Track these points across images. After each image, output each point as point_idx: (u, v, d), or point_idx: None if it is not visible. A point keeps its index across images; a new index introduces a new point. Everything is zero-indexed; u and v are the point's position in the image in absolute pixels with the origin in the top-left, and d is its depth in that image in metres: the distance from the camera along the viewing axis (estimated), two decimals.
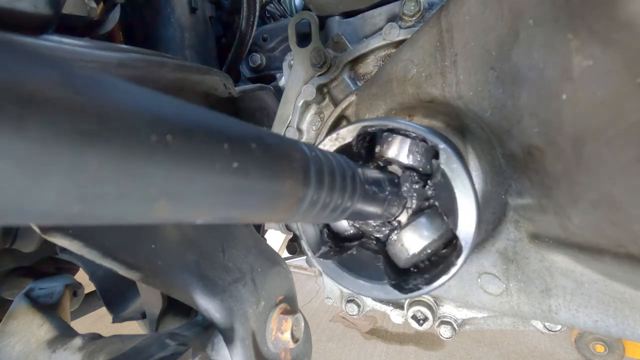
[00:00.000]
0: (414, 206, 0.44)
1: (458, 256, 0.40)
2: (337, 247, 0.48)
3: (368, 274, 0.45)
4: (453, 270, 0.40)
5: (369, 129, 0.43)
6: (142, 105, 0.15)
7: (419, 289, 0.42)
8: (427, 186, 0.43)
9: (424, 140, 0.42)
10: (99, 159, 0.13)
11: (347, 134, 0.44)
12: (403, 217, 0.44)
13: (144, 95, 0.16)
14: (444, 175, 0.40)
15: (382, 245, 0.46)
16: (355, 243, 0.48)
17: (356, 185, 0.33)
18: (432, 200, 0.44)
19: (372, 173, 0.39)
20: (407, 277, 0.44)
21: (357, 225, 0.48)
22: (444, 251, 0.44)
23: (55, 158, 0.12)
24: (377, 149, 0.46)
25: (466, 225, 0.40)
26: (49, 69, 0.12)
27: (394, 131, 0.44)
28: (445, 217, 0.42)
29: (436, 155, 0.41)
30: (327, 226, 0.49)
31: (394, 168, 0.46)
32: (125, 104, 0.14)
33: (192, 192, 0.17)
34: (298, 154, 0.25)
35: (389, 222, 0.44)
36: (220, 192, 0.19)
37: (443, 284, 0.40)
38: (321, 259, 0.46)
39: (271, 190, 0.22)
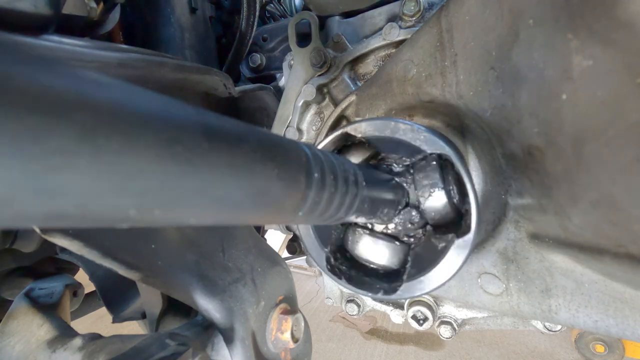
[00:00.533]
0: (393, 231, 0.44)
1: (387, 292, 0.42)
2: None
3: (323, 234, 0.46)
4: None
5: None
6: (146, 106, 0.15)
7: (339, 277, 0.44)
8: (422, 233, 0.44)
9: (453, 204, 0.42)
10: (106, 161, 0.13)
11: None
12: (378, 226, 0.45)
13: (144, 96, 0.16)
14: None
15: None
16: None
17: (358, 183, 0.33)
18: (412, 240, 0.45)
19: (372, 170, 0.39)
20: (345, 260, 0.46)
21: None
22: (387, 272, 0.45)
23: (55, 159, 0.12)
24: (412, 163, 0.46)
25: (467, 201, 0.40)
26: (49, 69, 0.12)
27: (442, 160, 0.43)
28: (408, 261, 0.43)
29: (457, 228, 0.41)
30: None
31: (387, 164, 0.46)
32: (128, 104, 0.14)
33: (192, 194, 0.17)
34: (299, 155, 0.25)
35: (412, 204, 0.44)
36: (221, 194, 0.19)
37: (461, 265, 0.40)
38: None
39: (272, 192, 0.22)
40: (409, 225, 0.43)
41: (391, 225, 0.44)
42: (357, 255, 0.46)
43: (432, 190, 0.42)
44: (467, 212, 0.40)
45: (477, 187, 0.55)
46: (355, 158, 0.48)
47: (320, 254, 0.46)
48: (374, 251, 0.44)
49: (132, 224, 0.16)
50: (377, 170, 0.43)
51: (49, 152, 0.11)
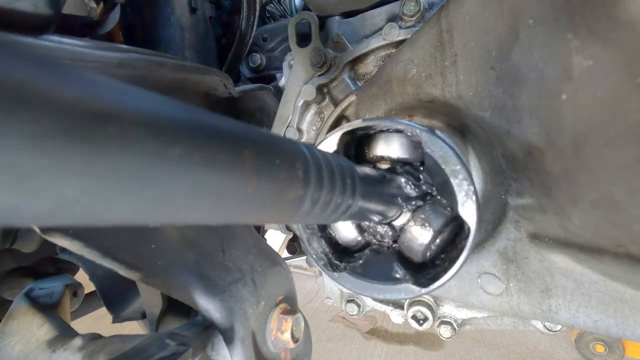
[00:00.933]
0: (414, 199, 0.43)
1: (467, 236, 0.40)
2: (345, 259, 0.48)
3: (385, 277, 0.45)
4: (465, 251, 0.40)
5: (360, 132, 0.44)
6: (141, 106, 0.15)
7: (438, 278, 0.41)
8: (421, 174, 0.43)
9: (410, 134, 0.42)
10: (104, 162, 0.13)
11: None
12: (405, 216, 0.44)
13: (144, 97, 0.16)
14: (438, 166, 0.40)
15: (393, 244, 0.46)
16: (366, 250, 0.48)
17: (356, 183, 0.33)
18: (429, 189, 0.44)
19: (370, 171, 0.39)
20: (425, 270, 0.44)
21: (365, 231, 0.48)
22: (454, 241, 0.44)
23: (54, 159, 0.12)
24: (368, 150, 0.46)
25: (467, 227, 0.40)
26: (42, 68, 0.12)
27: (383, 130, 0.44)
28: (445, 201, 0.42)
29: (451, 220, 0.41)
30: (332, 241, 0.49)
31: (386, 166, 0.46)
32: (125, 105, 0.14)
33: (191, 193, 0.17)
34: (297, 154, 0.25)
35: (395, 220, 0.44)
36: (219, 193, 0.19)
37: (459, 268, 0.40)
38: (335, 274, 0.46)
39: (271, 191, 0.22)
40: (415, 182, 0.43)
41: (412, 196, 0.44)
42: (423, 249, 0.45)
43: (424, 230, 0.42)
44: (468, 211, 0.40)
45: (477, 187, 0.55)
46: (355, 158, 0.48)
47: (405, 287, 0.45)
48: (425, 228, 0.44)
49: (132, 224, 0.16)
50: (375, 170, 0.43)
51: (43, 152, 0.11)
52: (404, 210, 0.43)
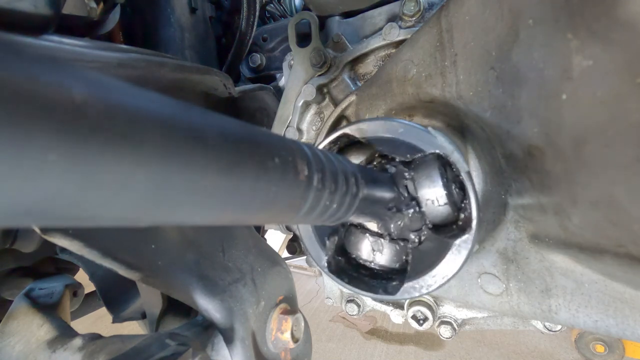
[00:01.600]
0: (394, 232, 0.44)
1: (386, 292, 0.42)
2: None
3: (322, 233, 0.46)
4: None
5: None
6: (145, 106, 0.15)
7: (340, 279, 0.44)
8: (424, 229, 0.43)
9: (454, 202, 0.42)
10: (106, 161, 0.13)
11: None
12: (411, 189, 0.44)
13: (147, 97, 0.16)
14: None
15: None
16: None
17: (359, 182, 0.33)
18: (413, 239, 0.44)
19: (370, 170, 0.39)
20: (347, 261, 0.46)
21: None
22: (389, 273, 0.44)
23: (56, 159, 0.12)
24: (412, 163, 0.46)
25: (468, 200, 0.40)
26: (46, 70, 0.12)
27: (444, 164, 0.43)
28: (408, 261, 0.43)
29: (458, 227, 0.41)
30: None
31: (386, 164, 0.46)
32: (131, 106, 0.14)
33: (193, 194, 0.17)
34: (299, 154, 0.25)
35: (411, 202, 0.44)
36: (221, 194, 0.19)
37: (462, 265, 0.40)
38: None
39: (272, 192, 0.22)
40: (410, 225, 0.43)
41: (392, 226, 0.44)
42: (357, 255, 0.46)
43: (432, 190, 0.41)
44: (467, 211, 0.40)
45: (477, 187, 0.55)
46: (356, 158, 0.48)
47: (321, 254, 0.46)
48: (375, 252, 0.45)
49: (133, 224, 0.16)
50: (377, 171, 0.44)
51: (44, 153, 0.11)
52: (407, 185, 0.43)
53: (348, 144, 0.48)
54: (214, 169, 0.18)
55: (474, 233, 0.39)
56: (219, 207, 0.20)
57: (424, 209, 0.43)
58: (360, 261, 0.46)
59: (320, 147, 0.46)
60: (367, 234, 0.45)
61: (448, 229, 0.42)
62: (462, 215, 0.42)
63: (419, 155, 0.42)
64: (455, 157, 0.40)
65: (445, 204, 0.41)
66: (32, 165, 0.11)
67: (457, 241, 0.40)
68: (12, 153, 0.11)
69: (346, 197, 0.31)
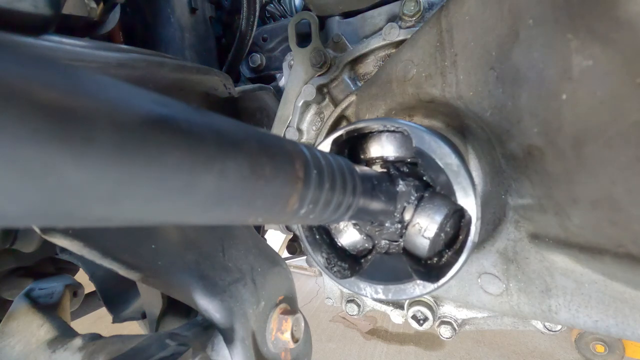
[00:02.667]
0: (415, 195, 0.43)
1: (468, 227, 0.40)
2: (356, 264, 0.48)
3: (392, 277, 0.44)
4: (467, 248, 0.40)
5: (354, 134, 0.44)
6: (142, 106, 0.15)
7: (446, 272, 0.41)
8: (419, 171, 0.43)
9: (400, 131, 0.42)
10: (101, 159, 0.13)
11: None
12: (409, 211, 0.44)
13: (143, 96, 0.16)
14: (430, 160, 0.40)
15: (398, 245, 0.46)
16: (373, 253, 0.48)
17: (356, 183, 0.33)
18: (430, 187, 0.44)
19: (369, 171, 0.39)
20: (433, 265, 0.44)
21: (369, 234, 0.48)
22: (457, 234, 0.44)
23: (56, 159, 0.12)
24: (365, 151, 0.47)
25: (468, 217, 0.40)
26: (40, 68, 0.12)
27: (377, 132, 0.44)
28: (445, 195, 0.43)
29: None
30: (335, 249, 0.48)
31: (385, 166, 0.46)
32: (127, 104, 0.14)
33: (192, 193, 0.17)
34: (297, 154, 0.25)
35: (397, 220, 0.44)
36: (220, 194, 0.19)
37: (463, 264, 0.40)
38: (343, 280, 0.46)
39: (271, 192, 0.22)
40: (416, 183, 0.43)
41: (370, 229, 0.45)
42: (428, 245, 0.45)
43: (427, 224, 0.42)
44: (468, 211, 0.40)
45: (477, 187, 0.55)
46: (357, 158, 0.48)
47: (419, 283, 0.44)
48: (429, 222, 0.44)
49: (132, 224, 0.16)
50: (377, 175, 0.43)
51: (46, 154, 0.11)
52: (406, 207, 0.43)
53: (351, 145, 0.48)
54: (210, 169, 0.18)
55: (474, 233, 0.39)
56: (218, 206, 0.20)
57: (405, 234, 0.43)
58: (432, 245, 0.46)
59: (327, 146, 0.45)
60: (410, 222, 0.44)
61: (416, 261, 0.43)
62: (435, 260, 0.43)
63: (440, 190, 0.42)
64: (473, 224, 0.40)
65: (446, 197, 0.41)
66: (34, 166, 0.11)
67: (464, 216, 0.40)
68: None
69: (345, 196, 0.31)
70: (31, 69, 0.11)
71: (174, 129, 0.16)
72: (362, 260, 0.48)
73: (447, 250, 0.43)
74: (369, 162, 0.48)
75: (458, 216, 0.42)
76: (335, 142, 0.45)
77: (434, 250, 0.43)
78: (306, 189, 0.25)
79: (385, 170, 0.45)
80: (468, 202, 0.40)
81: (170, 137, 0.16)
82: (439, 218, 0.41)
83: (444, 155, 0.40)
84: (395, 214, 0.43)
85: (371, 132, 0.45)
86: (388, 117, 0.67)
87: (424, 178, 0.43)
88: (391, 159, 0.45)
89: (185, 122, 0.17)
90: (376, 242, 0.48)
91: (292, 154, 0.25)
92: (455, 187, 0.40)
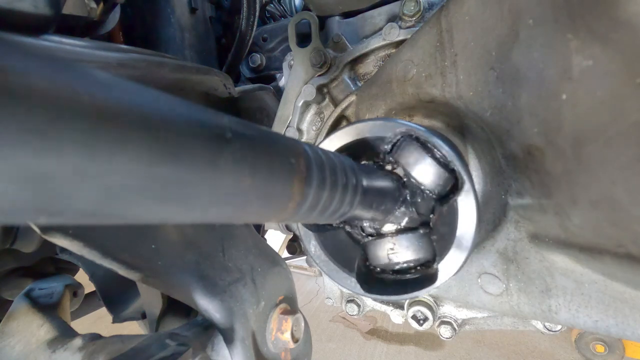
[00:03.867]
0: (406, 220, 0.43)
1: (431, 282, 0.41)
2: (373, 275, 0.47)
3: (342, 261, 0.45)
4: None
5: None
6: (141, 104, 0.15)
7: (380, 294, 0.43)
8: (431, 209, 0.42)
9: (445, 164, 0.40)
10: (100, 158, 0.13)
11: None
12: (392, 226, 0.44)
13: (146, 93, 0.16)
14: (451, 206, 0.40)
15: (364, 239, 0.46)
16: (341, 226, 0.47)
17: (358, 181, 0.33)
18: (427, 222, 0.44)
19: (375, 177, 0.39)
20: (373, 275, 0.45)
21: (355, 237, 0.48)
22: (418, 269, 0.44)
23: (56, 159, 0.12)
24: (390, 149, 0.45)
25: (466, 225, 0.40)
26: (47, 65, 0.12)
27: (417, 139, 0.42)
28: (434, 245, 0.43)
29: (454, 187, 0.40)
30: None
31: (399, 171, 0.45)
32: (129, 103, 0.14)
33: (193, 191, 0.17)
34: (300, 153, 0.25)
35: (396, 218, 0.44)
36: (222, 192, 0.19)
37: (462, 265, 0.40)
38: (305, 227, 0.46)
39: (273, 190, 0.22)
40: (419, 212, 0.42)
41: (403, 220, 0.44)
42: (386, 264, 0.44)
43: (419, 163, 0.40)
44: (455, 170, 0.40)
45: (477, 187, 0.55)
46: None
47: (351, 280, 0.45)
48: (401, 250, 0.43)
49: (132, 222, 0.16)
50: (380, 173, 0.43)
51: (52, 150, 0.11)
52: (404, 208, 0.43)
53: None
54: (213, 167, 0.18)
55: (474, 234, 0.39)
56: (222, 204, 0.20)
57: (423, 187, 0.42)
58: (392, 268, 0.45)
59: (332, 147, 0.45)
60: (385, 238, 0.44)
61: (448, 194, 0.42)
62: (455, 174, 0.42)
63: (391, 141, 0.42)
64: (420, 132, 0.40)
65: (437, 170, 0.41)
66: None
67: (459, 202, 0.40)
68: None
69: (346, 194, 0.31)
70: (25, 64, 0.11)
71: (174, 126, 0.16)
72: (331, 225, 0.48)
73: (445, 252, 0.43)
74: (391, 162, 0.47)
75: (429, 263, 0.43)
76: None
77: (383, 269, 0.44)
78: (308, 187, 0.25)
79: (388, 168, 0.45)
80: (468, 204, 0.40)
81: (171, 134, 0.16)
82: (407, 254, 0.42)
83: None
84: (395, 214, 0.43)
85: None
86: (389, 118, 0.67)
87: (429, 213, 0.43)
88: (417, 180, 0.44)
89: (186, 119, 0.17)
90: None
91: (294, 151, 0.25)
92: (459, 216, 0.40)
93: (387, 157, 0.43)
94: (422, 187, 0.42)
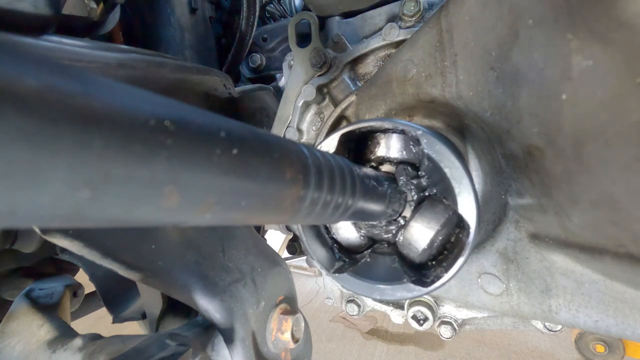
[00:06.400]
0: (414, 199, 0.44)
1: (467, 235, 0.40)
2: (350, 259, 0.48)
3: (387, 277, 0.45)
4: (466, 250, 0.40)
5: (358, 131, 0.44)
6: (145, 107, 0.15)
7: (439, 277, 0.41)
8: (421, 175, 0.43)
9: (404, 132, 0.42)
10: (101, 160, 0.13)
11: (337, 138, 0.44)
12: (407, 213, 0.44)
13: (145, 97, 0.16)
14: (436, 165, 0.40)
15: (394, 245, 0.46)
16: (368, 251, 0.48)
17: (355, 183, 0.33)
18: (429, 189, 0.44)
19: (369, 171, 0.39)
20: (426, 270, 0.44)
21: (366, 233, 0.48)
22: (453, 239, 0.43)
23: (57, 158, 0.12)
24: (368, 151, 0.47)
25: (467, 225, 0.40)
26: (48, 69, 0.12)
27: (382, 131, 0.44)
28: (445, 201, 0.42)
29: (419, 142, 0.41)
30: (337, 242, 0.49)
31: (386, 167, 0.46)
32: (131, 106, 0.14)
33: (192, 194, 0.17)
34: (297, 155, 0.25)
35: (394, 221, 0.44)
36: (220, 194, 0.19)
37: (461, 266, 0.40)
38: (337, 274, 0.46)
39: (271, 192, 0.22)
40: (413, 181, 0.44)
41: (409, 197, 0.44)
42: (422, 243, 0.45)
43: (424, 230, 0.42)
44: (468, 212, 0.40)
45: (477, 187, 0.55)
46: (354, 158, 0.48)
47: (407, 286, 0.45)
48: (427, 224, 0.44)
49: (132, 225, 0.16)
50: (373, 169, 0.43)
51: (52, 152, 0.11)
52: (404, 209, 0.43)
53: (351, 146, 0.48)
54: (212, 170, 0.18)
55: (474, 233, 0.39)
56: (220, 207, 0.20)
57: (402, 237, 0.43)
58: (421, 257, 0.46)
59: (335, 140, 0.45)
60: (410, 221, 0.44)
61: (447, 227, 0.42)
62: (431, 263, 0.43)
63: (416, 154, 0.42)
64: (472, 228, 0.40)
65: (445, 201, 0.42)
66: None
67: (463, 223, 0.40)
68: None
69: (344, 196, 0.31)
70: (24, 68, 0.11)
71: (179, 129, 0.16)
72: (357, 256, 0.48)
73: (442, 254, 0.43)
74: (372, 160, 0.47)
75: (456, 222, 0.42)
76: (344, 136, 0.45)
77: (427, 256, 0.43)
78: (306, 189, 0.25)
79: (386, 170, 0.45)
80: (468, 206, 0.40)
81: (171, 137, 0.16)
82: (434, 226, 0.42)
83: (445, 159, 0.40)
84: (392, 216, 0.43)
85: (377, 131, 0.45)
86: (390, 118, 0.67)
87: (423, 180, 0.43)
88: (393, 158, 0.45)
89: (186, 123, 0.17)
90: (372, 242, 0.48)
91: (292, 154, 0.25)
92: (457, 191, 0.40)
93: (382, 156, 0.44)
94: (401, 161, 0.43)
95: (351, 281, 0.46)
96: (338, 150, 0.45)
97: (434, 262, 0.44)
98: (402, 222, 0.44)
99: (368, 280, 0.45)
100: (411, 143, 0.44)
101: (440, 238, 0.42)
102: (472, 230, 0.39)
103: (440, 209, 0.42)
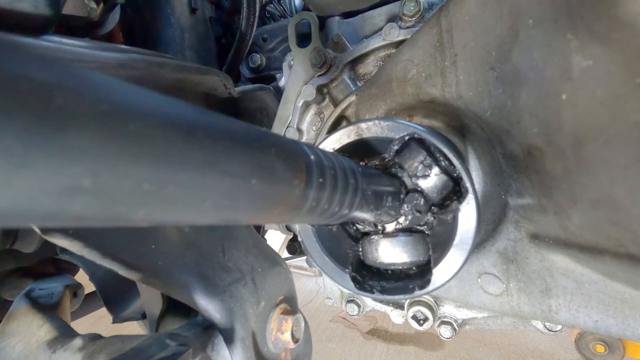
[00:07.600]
0: (405, 224, 0.44)
1: (422, 287, 0.41)
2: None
3: (338, 256, 0.45)
4: (409, 295, 0.41)
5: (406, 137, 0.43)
6: (147, 105, 0.15)
7: (371, 292, 0.43)
8: (430, 216, 0.43)
9: (450, 173, 0.41)
10: (101, 158, 0.13)
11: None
12: (390, 226, 0.44)
13: (148, 96, 0.16)
14: (454, 216, 0.40)
15: (360, 236, 0.47)
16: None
17: (358, 182, 0.33)
18: (425, 228, 0.44)
19: (375, 180, 0.39)
20: (370, 274, 0.45)
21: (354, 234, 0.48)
22: (412, 272, 0.44)
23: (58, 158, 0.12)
24: (395, 152, 0.45)
25: (466, 225, 0.40)
26: (46, 67, 0.12)
27: (422, 143, 0.41)
28: (430, 248, 0.43)
29: (456, 193, 0.41)
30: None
31: (401, 173, 0.45)
32: (133, 104, 0.14)
33: (195, 193, 0.17)
34: (300, 154, 0.25)
35: (397, 218, 0.44)
36: (223, 193, 0.19)
37: (461, 266, 0.40)
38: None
39: (273, 192, 0.22)
40: (417, 213, 0.43)
41: (401, 219, 0.44)
42: (380, 262, 0.45)
43: (422, 167, 0.41)
44: (460, 176, 0.40)
45: (477, 187, 0.55)
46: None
47: (344, 276, 0.45)
48: (395, 251, 0.43)
49: (133, 224, 0.16)
50: (380, 175, 0.43)
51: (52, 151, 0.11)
52: (405, 209, 0.43)
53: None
54: (214, 168, 0.18)
55: (474, 233, 0.39)
56: (222, 206, 0.20)
57: (423, 188, 0.42)
58: (386, 267, 0.45)
59: (321, 146, 0.45)
60: (382, 238, 0.44)
61: (449, 199, 0.42)
62: (457, 181, 0.42)
63: (394, 144, 0.42)
64: (425, 135, 0.40)
65: (441, 176, 0.41)
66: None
67: (461, 208, 0.40)
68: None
69: (347, 195, 0.31)
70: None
71: (183, 129, 0.16)
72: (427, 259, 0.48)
73: (445, 253, 0.43)
74: (393, 163, 0.47)
75: (424, 266, 0.43)
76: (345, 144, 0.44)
77: (377, 267, 0.44)
78: (309, 187, 0.25)
79: (386, 169, 0.45)
80: (468, 206, 0.40)
81: (178, 137, 0.16)
82: (401, 256, 0.42)
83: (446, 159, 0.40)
84: (395, 215, 0.43)
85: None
86: (390, 118, 0.67)
87: (428, 219, 0.43)
88: (419, 186, 0.44)
89: (189, 122, 0.17)
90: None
91: (295, 153, 0.25)
92: (459, 217, 0.40)
93: (391, 160, 0.43)
94: (425, 193, 0.42)
95: (310, 236, 0.46)
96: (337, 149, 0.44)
97: (377, 273, 0.44)
98: (380, 229, 0.45)
99: (323, 246, 0.46)
100: (439, 178, 0.43)
101: (398, 267, 0.43)
102: (472, 230, 0.39)
103: (419, 251, 0.42)
